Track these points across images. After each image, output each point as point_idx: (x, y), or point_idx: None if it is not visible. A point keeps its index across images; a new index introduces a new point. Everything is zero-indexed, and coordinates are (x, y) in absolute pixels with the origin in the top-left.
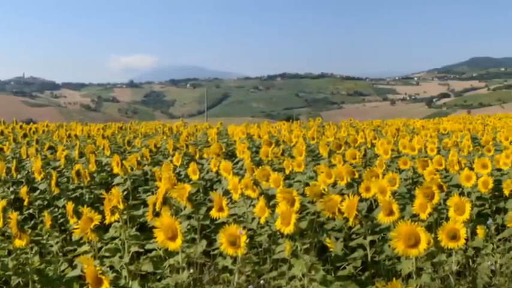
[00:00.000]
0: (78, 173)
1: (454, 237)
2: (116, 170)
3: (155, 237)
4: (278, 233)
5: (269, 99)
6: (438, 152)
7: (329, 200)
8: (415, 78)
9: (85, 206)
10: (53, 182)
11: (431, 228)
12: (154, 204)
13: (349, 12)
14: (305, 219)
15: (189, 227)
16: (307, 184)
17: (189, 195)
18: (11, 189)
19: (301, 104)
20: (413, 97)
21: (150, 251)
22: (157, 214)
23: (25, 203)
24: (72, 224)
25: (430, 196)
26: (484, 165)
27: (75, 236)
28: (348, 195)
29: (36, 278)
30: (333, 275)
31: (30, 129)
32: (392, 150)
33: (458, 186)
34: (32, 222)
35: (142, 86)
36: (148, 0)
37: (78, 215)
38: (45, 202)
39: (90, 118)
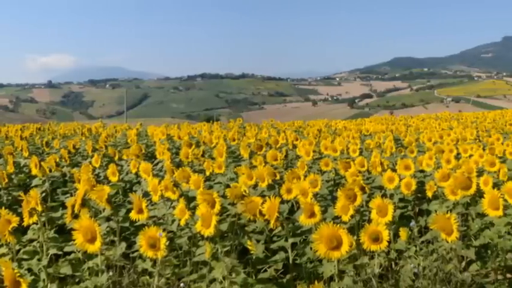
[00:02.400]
0: None
1: (376, 239)
2: (34, 171)
3: (74, 240)
4: (198, 235)
5: (189, 99)
6: (360, 154)
7: (250, 202)
8: (337, 79)
9: (3, 207)
10: None
11: (353, 230)
12: (73, 206)
13: (269, 12)
14: (226, 221)
15: (108, 229)
16: (227, 186)
17: (108, 197)
18: None
19: (221, 104)
20: (335, 98)
21: (69, 253)
22: (76, 216)
23: None
24: None
25: (352, 198)
26: (407, 167)
27: None
28: (269, 197)
29: None
30: (254, 277)
31: None
32: (314, 151)
33: (380, 187)
34: None
35: (61, 86)
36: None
37: None
38: None
39: (8, 119)
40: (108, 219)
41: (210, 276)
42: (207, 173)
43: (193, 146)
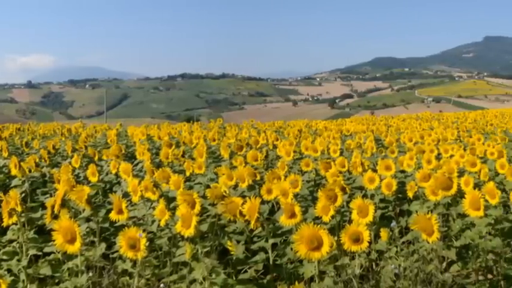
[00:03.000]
0: None
1: (357, 240)
2: (13, 171)
3: (54, 240)
4: (178, 236)
5: (169, 100)
6: (341, 154)
7: (230, 203)
8: (318, 79)
9: None
10: None
11: (334, 230)
12: (53, 207)
13: (249, 12)
14: (206, 221)
15: (88, 229)
16: (208, 186)
17: (88, 197)
18: None
19: (202, 104)
20: (315, 98)
21: (49, 254)
22: (55, 217)
23: None
24: None
25: (333, 198)
26: (388, 167)
27: None
28: (250, 198)
29: None
30: (234, 278)
31: None
32: (295, 151)
33: (361, 188)
34: None
35: (41, 86)
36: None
37: None
38: None
39: None
40: (88, 219)
41: (190, 277)
42: (187, 174)
43: (174, 147)
